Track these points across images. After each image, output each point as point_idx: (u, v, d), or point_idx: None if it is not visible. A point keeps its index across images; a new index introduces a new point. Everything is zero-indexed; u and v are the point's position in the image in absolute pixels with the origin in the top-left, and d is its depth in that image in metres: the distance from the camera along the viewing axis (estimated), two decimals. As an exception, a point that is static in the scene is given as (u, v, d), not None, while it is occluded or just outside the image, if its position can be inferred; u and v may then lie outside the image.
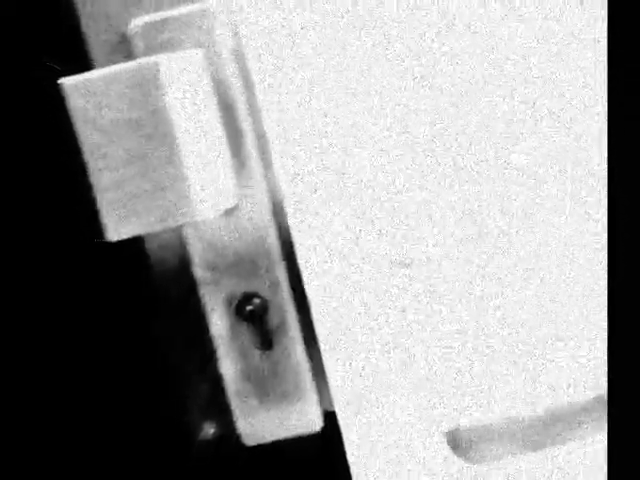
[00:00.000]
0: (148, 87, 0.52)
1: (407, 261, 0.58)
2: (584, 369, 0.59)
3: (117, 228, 0.53)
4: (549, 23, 0.57)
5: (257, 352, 0.62)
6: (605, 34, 0.50)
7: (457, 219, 0.59)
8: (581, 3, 0.57)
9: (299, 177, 0.58)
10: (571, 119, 0.58)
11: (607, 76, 0.50)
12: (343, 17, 0.58)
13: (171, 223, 0.53)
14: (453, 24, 0.57)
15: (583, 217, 0.58)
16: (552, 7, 0.57)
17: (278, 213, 0.61)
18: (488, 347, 0.59)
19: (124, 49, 0.61)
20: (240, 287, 0.61)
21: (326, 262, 0.58)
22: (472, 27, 0.58)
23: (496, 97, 0.58)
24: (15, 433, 0.65)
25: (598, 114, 0.57)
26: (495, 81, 0.58)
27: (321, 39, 0.58)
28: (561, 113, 0.58)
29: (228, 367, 0.62)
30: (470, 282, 0.59)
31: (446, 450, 0.58)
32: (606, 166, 0.48)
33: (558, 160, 0.58)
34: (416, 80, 0.58)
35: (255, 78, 0.57)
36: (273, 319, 0.61)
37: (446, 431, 0.59)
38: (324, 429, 0.62)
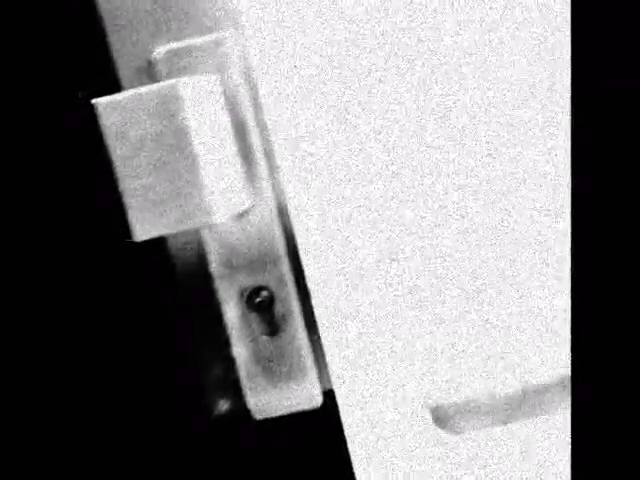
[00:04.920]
0: (170, 106, 0.55)
1: (394, 255, 0.61)
2: (551, 352, 0.62)
3: (143, 230, 0.56)
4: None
5: (265, 338, 0.65)
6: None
7: (444, 215, 0.62)
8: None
9: (302, 185, 0.61)
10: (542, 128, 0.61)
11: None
12: (354, 43, 0.60)
13: (190, 225, 0.55)
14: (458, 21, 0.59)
15: (552, 210, 0.61)
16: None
17: (284, 216, 0.64)
18: (468, 335, 0.62)
19: (149, 73, 0.64)
20: (250, 281, 0.64)
21: (325, 259, 0.61)
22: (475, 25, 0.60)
23: (489, 99, 0.60)
24: (37, 416, 0.68)
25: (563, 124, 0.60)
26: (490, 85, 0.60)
27: (325, 62, 0.60)
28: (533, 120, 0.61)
29: (239, 351, 0.65)
30: (453, 274, 0.62)
31: (430, 423, 0.62)
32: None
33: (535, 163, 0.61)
34: (413, 87, 0.60)
35: (263, 100, 0.60)
36: (279, 309, 0.64)
37: (430, 407, 0.62)
38: (324, 405, 0.65)
